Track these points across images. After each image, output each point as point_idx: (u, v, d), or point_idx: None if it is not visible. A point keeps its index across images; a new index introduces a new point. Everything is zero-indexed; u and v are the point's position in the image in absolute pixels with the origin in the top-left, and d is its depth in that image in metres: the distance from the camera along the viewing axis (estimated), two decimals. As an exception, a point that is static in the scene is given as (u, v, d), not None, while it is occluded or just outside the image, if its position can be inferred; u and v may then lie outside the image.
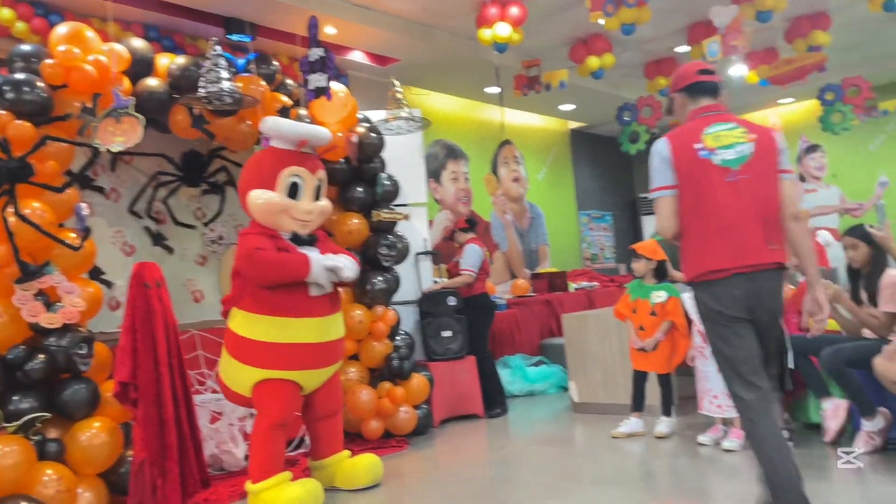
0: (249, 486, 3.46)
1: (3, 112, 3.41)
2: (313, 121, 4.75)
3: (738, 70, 6.83)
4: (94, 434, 3.44)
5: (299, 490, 3.40)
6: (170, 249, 5.07)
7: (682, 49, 6.71)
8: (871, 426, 3.53)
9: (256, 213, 3.57)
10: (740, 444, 3.84)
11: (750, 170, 2.55)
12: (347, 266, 3.57)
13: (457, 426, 5.34)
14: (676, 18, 6.02)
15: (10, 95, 3.43)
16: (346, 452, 3.91)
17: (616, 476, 3.68)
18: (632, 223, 11.10)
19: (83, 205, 3.64)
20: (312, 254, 3.51)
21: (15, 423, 3.17)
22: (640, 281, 4.46)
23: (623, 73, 7.28)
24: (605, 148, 10.58)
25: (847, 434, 3.77)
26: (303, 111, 4.73)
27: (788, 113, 9.70)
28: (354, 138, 4.97)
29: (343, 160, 5.00)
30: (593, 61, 5.98)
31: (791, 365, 3.75)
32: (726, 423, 4.06)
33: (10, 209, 3.31)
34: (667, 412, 4.38)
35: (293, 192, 3.58)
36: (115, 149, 3.61)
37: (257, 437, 3.51)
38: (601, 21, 4.56)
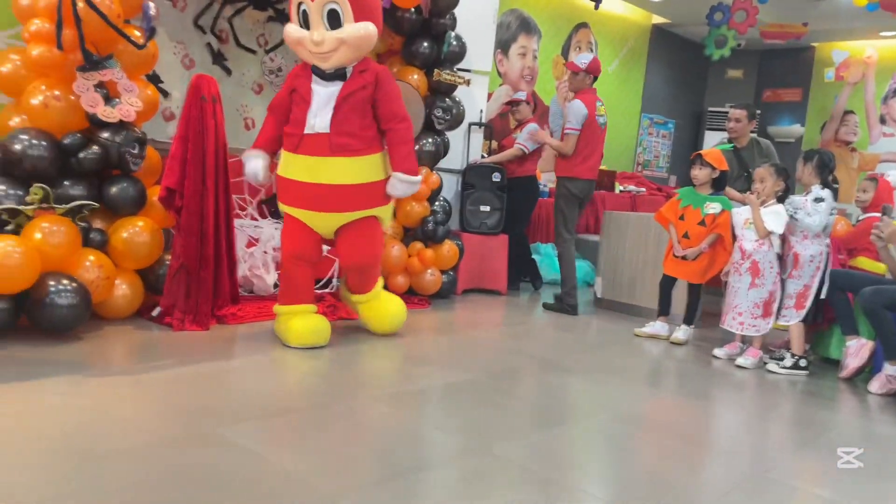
0: (276, 306, 3.64)
1: None
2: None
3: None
4: (136, 232, 3.57)
5: (302, 323, 3.47)
6: (228, 71, 5.03)
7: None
8: (893, 370, 3.53)
9: (288, 45, 3.51)
10: (754, 362, 3.88)
11: (604, 129, 5.09)
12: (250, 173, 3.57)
13: (478, 297, 5.45)
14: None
15: None
16: (375, 291, 3.80)
17: (622, 366, 3.77)
18: (693, 135, 10.72)
19: (151, 4, 3.58)
20: (252, 158, 3.56)
21: (64, 206, 3.29)
22: (692, 188, 4.35)
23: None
24: (684, 51, 10.04)
25: (864, 374, 3.78)
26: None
27: (887, 48, 9.01)
28: (430, -12, 4.76)
29: (414, 9, 4.82)
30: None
31: (823, 296, 3.71)
32: (745, 340, 4.08)
33: (80, -6, 3.26)
34: (689, 321, 4.40)
35: (305, 22, 3.32)
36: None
37: (281, 266, 3.67)
38: None
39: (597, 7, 5.51)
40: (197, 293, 3.66)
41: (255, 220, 4.94)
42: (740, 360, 3.92)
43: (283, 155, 3.51)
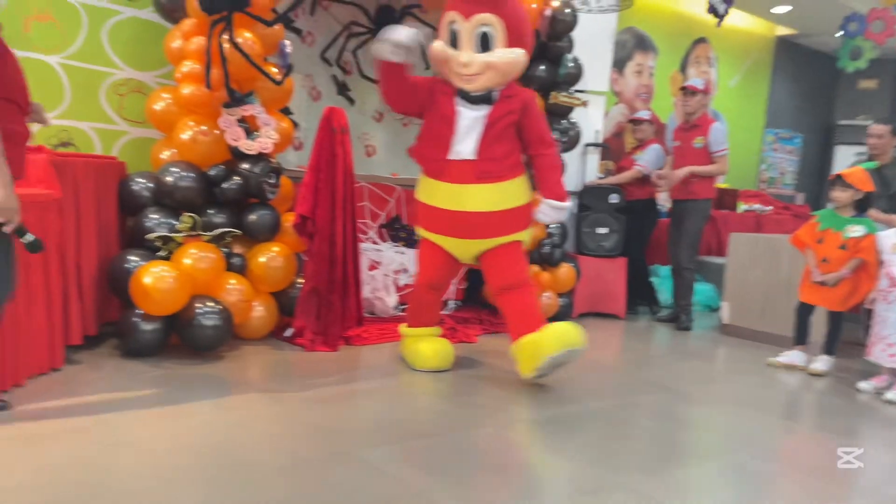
0: (403, 327, 3.71)
1: (226, -59, 3.55)
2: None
3: None
4: (272, 256, 3.78)
5: (429, 347, 3.53)
6: (351, 101, 5.24)
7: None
8: None
9: (433, 62, 3.40)
10: (907, 398, 3.59)
11: None
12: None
13: (596, 321, 5.35)
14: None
15: (234, -76, 3.55)
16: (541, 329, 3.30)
17: (758, 399, 3.57)
18: (823, 151, 10.10)
19: (287, 42, 3.80)
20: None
21: (210, 233, 3.53)
22: (832, 210, 4.09)
23: (858, -21, 6.37)
24: (811, 63, 9.51)
25: None
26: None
27: None
28: (548, 12, 4.78)
29: (533, 32, 4.84)
30: (829, -42, 5.25)
31: None
32: (894, 373, 3.78)
33: (226, 36, 3.51)
34: (829, 351, 4.13)
35: (454, 42, 3.21)
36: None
37: (412, 289, 3.65)
38: None
39: (719, 24, 5.33)
40: (326, 315, 3.81)
41: (376, 243, 5.10)
42: (890, 395, 3.63)
43: (424, 181, 3.44)
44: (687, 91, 5.30)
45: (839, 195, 4.02)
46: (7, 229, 2.22)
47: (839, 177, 4.05)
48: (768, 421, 3.25)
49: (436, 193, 3.36)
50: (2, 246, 2.28)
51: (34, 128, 2.79)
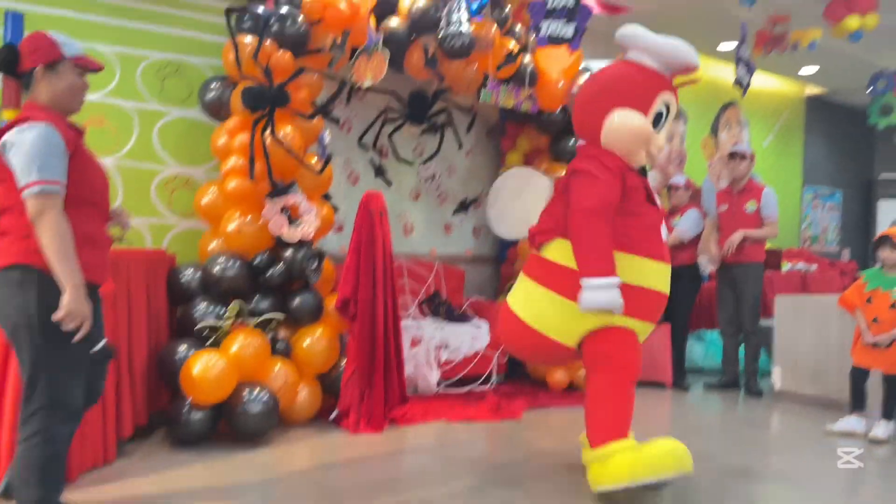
0: (597, 457, 2.84)
1: (268, 42, 3.79)
2: (536, 68, 4.76)
3: None
4: (316, 339, 3.84)
5: (670, 442, 2.79)
6: (388, 182, 5.39)
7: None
8: None
9: (617, 138, 2.91)
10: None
11: None
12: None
13: (642, 390, 5.21)
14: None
15: (275, 28, 3.79)
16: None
17: (820, 471, 3.43)
18: (865, 206, 9.94)
19: (326, 133, 3.98)
20: (607, 289, 2.75)
21: (256, 319, 3.62)
22: (880, 269, 4.01)
23: (884, 37, 6.40)
24: (844, 119, 9.48)
25: None
26: (527, 58, 4.73)
27: None
28: (574, 89, 4.91)
29: (559, 110, 4.98)
30: (853, 21, 5.31)
31: None
32: (962, 440, 3.61)
33: (268, 131, 3.70)
34: (889, 416, 3.97)
35: (655, 121, 2.96)
36: (366, 84, 3.86)
37: (612, 393, 2.89)
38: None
39: (744, 94, 5.40)
40: (370, 396, 3.83)
41: (417, 319, 5.15)
42: (959, 462, 3.46)
43: (629, 259, 2.89)
44: (736, 156, 5.36)
45: (889, 255, 3.95)
46: (79, 336, 2.15)
47: (888, 237, 3.98)
48: (835, 496, 3.11)
49: (652, 275, 2.93)
50: (74, 350, 2.20)
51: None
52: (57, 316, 2.10)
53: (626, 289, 2.80)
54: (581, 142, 3.16)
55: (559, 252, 2.96)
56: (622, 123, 2.89)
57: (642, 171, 3.08)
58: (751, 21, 5.71)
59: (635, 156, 2.96)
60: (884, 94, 6.29)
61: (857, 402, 4.09)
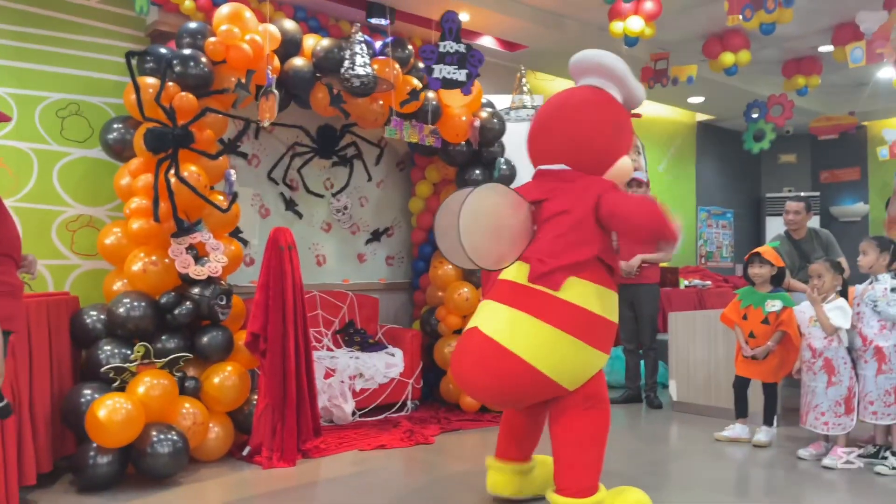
0: (590, 500, 2.77)
1: (171, 84, 3.84)
2: (440, 104, 4.97)
3: (887, 73, 6.40)
4: (226, 376, 3.87)
5: (638, 493, 2.97)
6: (300, 215, 5.47)
7: (826, 49, 6.37)
8: None
9: (620, 176, 3.09)
10: (841, 462, 3.77)
11: None
12: None
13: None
14: (821, 18, 5.73)
15: (178, 69, 3.85)
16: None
17: (710, 480, 3.71)
18: (755, 223, 10.67)
19: (232, 171, 4.04)
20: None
21: (163, 360, 3.62)
22: (751, 288, 4.39)
23: (759, 70, 6.99)
24: (733, 143, 10.18)
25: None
26: (431, 94, 4.94)
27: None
28: (477, 123, 5.15)
29: (464, 143, 5.20)
30: (728, 58, 5.81)
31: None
32: (829, 439, 3.98)
33: (172, 172, 3.73)
34: (768, 422, 4.33)
35: None
36: (266, 124, 3.96)
37: (603, 434, 2.87)
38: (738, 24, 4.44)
39: (638, 116, 5.82)
40: (282, 430, 3.88)
41: (331, 350, 5.22)
42: (826, 461, 3.81)
43: (612, 296, 2.97)
44: (633, 183, 5.71)
45: (758, 271, 4.32)
46: None
47: (757, 254, 4.37)
48: (721, 501, 3.38)
49: (616, 307, 3.00)
50: None
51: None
52: None
53: (607, 323, 2.87)
54: (561, 166, 3.04)
55: (578, 294, 2.79)
56: (623, 169, 3.08)
57: None
58: (636, 57, 6.14)
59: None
60: (757, 122, 6.85)
61: (741, 410, 4.44)
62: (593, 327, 2.79)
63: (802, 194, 8.13)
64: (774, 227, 10.28)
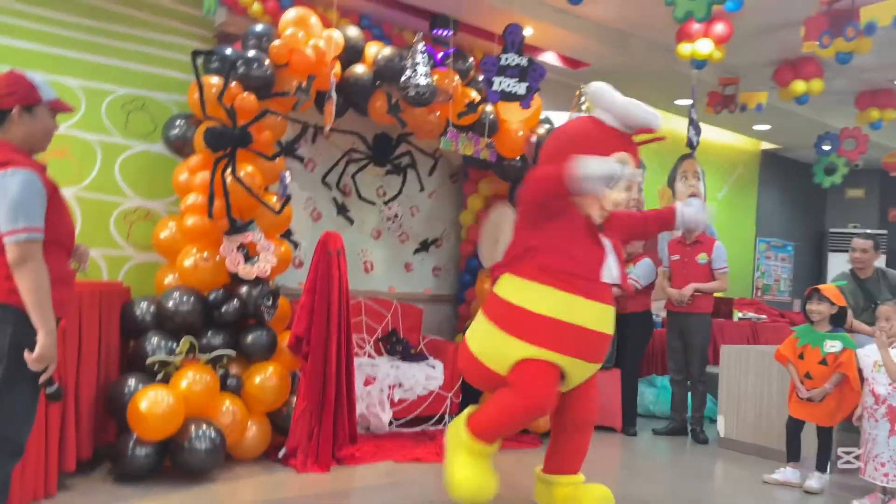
0: (462, 429, 3.13)
1: (234, 84, 3.89)
2: (497, 118, 4.93)
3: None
4: (267, 377, 3.88)
5: (475, 473, 3.08)
6: (350, 221, 5.48)
7: (904, 81, 6.13)
8: None
9: None
10: (900, 518, 3.56)
11: None
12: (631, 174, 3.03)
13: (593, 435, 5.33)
14: (901, 49, 5.51)
15: (241, 70, 3.89)
16: (580, 477, 3.40)
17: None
18: (816, 258, 10.29)
19: (287, 174, 4.06)
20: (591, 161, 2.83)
21: (207, 356, 3.65)
22: (809, 326, 4.19)
23: (831, 100, 6.74)
24: (797, 173, 9.86)
25: None
26: (489, 107, 4.90)
27: None
28: (533, 138, 5.08)
29: (519, 158, 5.14)
30: (799, 86, 5.60)
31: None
32: (887, 492, 3.76)
33: (229, 170, 3.77)
34: (822, 467, 4.11)
35: None
36: (328, 129, 3.98)
37: (503, 405, 3.06)
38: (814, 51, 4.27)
39: (692, 153, 5.67)
40: (319, 435, 3.86)
41: (373, 357, 5.20)
42: (884, 515, 3.60)
43: (557, 295, 3.04)
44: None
45: (816, 307, 4.13)
46: (42, 378, 2.20)
47: (816, 290, 4.18)
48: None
49: (581, 312, 3.05)
50: (31, 389, 2.23)
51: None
52: (29, 357, 2.15)
53: (552, 323, 3.02)
54: None
55: (503, 286, 3.19)
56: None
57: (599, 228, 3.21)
58: (703, 81, 5.98)
59: (586, 210, 3.13)
60: (828, 155, 6.59)
61: (793, 453, 4.23)
62: (510, 316, 3.09)
63: (870, 232, 7.80)
64: (837, 263, 9.90)
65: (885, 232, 9.68)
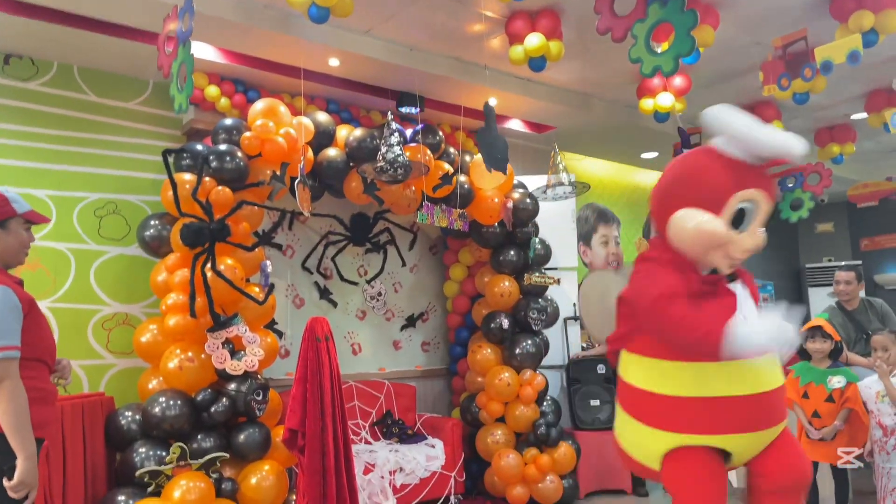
0: None
1: (208, 179, 3.87)
2: (471, 188, 4.96)
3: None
4: (263, 476, 3.71)
5: None
6: (334, 303, 5.40)
7: (859, 116, 6.31)
8: None
9: (680, 238, 2.49)
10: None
11: None
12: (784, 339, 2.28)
13: (603, 500, 5.17)
14: (853, 86, 5.70)
15: (214, 164, 3.88)
16: None
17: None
18: (796, 294, 10.38)
19: (268, 262, 4.01)
20: (739, 322, 2.28)
21: (199, 461, 3.49)
22: (807, 363, 4.15)
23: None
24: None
25: None
26: (462, 178, 4.94)
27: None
28: (510, 204, 5.11)
29: (497, 224, 5.15)
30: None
31: None
32: (913, 529, 3.66)
33: (209, 265, 3.71)
34: (842, 509, 4.01)
35: (737, 219, 2.47)
36: (307, 213, 3.95)
37: None
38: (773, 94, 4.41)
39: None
40: (322, 532, 3.67)
41: (369, 443, 5.02)
42: (914, 552, 3.49)
43: (684, 368, 2.48)
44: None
45: (820, 346, 4.08)
46: None
47: (819, 328, 4.12)
48: None
49: (715, 378, 2.46)
50: None
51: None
52: (9, 485, 2.05)
53: (686, 403, 2.46)
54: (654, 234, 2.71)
55: (624, 367, 2.67)
56: (681, 224, 2.47)
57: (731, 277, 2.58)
58: (666, 132, 6.13)
59: (705, 257, 2.50)
60: (793, 191, 6.73)
61: (812, 498, 4.12)
62: (641, 404, 2.57)
63: (846, 263, 7.91)
64: (818, 297, 9.98)
65: (859, 262, 9.83)
